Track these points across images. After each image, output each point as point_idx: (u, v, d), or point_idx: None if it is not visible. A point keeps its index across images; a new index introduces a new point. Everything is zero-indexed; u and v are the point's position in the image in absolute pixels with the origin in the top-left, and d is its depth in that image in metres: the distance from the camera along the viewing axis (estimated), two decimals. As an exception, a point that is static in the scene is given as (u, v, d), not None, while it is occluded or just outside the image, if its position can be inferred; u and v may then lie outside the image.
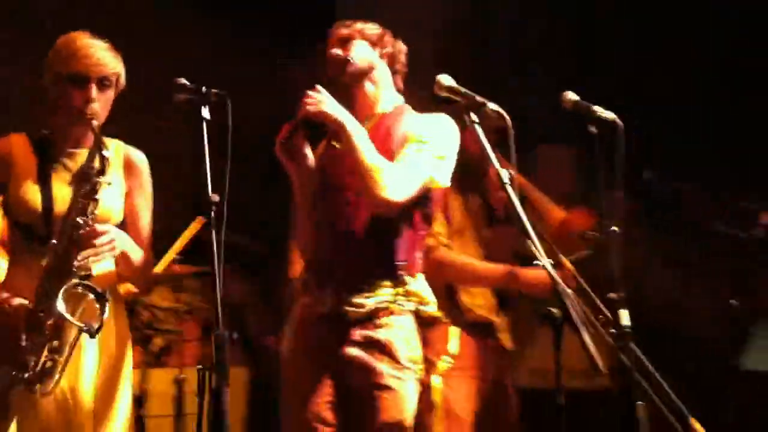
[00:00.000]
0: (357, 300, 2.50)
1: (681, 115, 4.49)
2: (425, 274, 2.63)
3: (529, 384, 3.40)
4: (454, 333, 2.98)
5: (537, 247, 2.14)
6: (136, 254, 2.53)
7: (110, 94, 2.51)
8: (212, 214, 2.24)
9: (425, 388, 2.85)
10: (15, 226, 2.50)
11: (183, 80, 2.30)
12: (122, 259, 2.50)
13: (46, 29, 3.35)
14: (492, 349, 3.09)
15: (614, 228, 2.38)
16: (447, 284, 3.00)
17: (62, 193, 2.47)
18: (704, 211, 4.28)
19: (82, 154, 2.52)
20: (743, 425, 3.94)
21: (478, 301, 3.06)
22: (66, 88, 2.46)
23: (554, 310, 2.34)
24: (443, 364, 2.92)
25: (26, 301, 2.36)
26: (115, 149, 2.57)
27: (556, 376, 2.46)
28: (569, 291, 2.19)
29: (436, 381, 2.90)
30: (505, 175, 2.21)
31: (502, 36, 4.80)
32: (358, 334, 2.50)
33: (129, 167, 2.59)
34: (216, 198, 2.25)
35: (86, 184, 2.37)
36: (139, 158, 2.61)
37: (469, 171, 2.89)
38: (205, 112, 2.26)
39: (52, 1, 4.54)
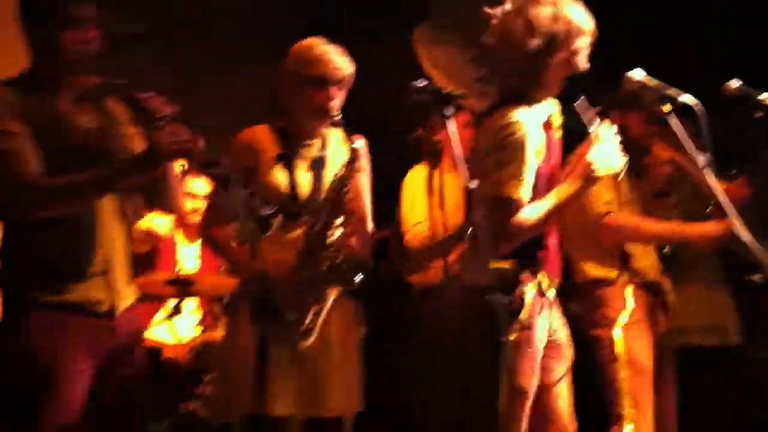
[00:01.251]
0: None
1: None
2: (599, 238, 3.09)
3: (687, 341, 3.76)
4: (628, 291, 3.35)
5: (735, 222, 2.52)
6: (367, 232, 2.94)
7: (345, 92, 2.90)
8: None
9: (609, 342, 3.25)
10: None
11: (423, 82, 2.63)
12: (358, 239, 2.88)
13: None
14: (660, 307, 3.46)
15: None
16: (621, 250, 3.37)
17: (303, 177, 2.87)
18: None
19: (315, 145, 2.94)
20: None
21: (646, 263, 3.43)
22: (306, 88, 2.86)
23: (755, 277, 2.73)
24: (622, 318, 3.29)
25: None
26: (341, 137, 2.97)
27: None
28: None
29: (617, 334, 3.26)
30: (702, 160, 2.55)
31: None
32: None
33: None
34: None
35: (341, 170, 2.78)
36: (360, 144, 2.93)
37: (633, 150, 3.26)
38: (448, 111, 2.53)
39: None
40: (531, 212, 2.46)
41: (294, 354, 2.48)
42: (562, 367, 2.63)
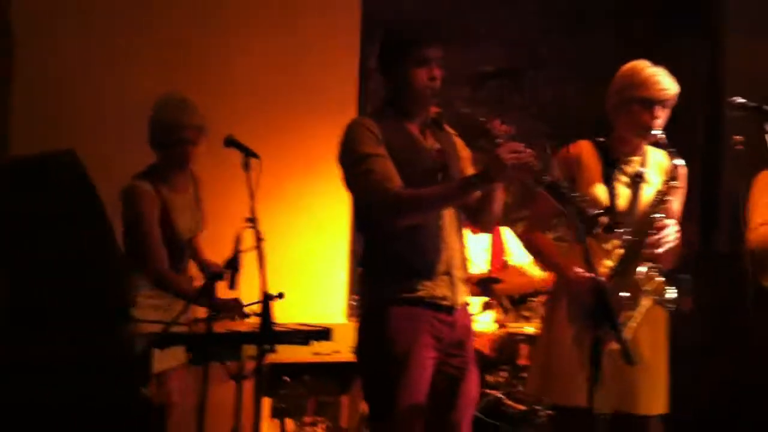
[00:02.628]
0: None
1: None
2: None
3: None
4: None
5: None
6: (678, 246, 3.12)
7: (668, 111, 3.12)
8: None
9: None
10: None
11: (740, 99, 2.83)
12: (672, 251, 3.08)
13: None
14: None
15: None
16: None
17: (622, 191, 3.13)
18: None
19: (635, 161, 3.18)
20: None
21: None
22: (633, 108, 3.10)
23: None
24: None
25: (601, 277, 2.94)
26: (662, 158, 3.18)
27: None
28: None
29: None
30: None
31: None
32: None
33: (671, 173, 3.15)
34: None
35: (663, 185, 3.01)
36: (681, 165, 3.15)
37: None
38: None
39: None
40: None
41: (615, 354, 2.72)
42: None
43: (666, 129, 3.11)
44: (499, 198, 3.06)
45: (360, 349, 2.99)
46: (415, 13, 5.28)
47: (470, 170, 3.07)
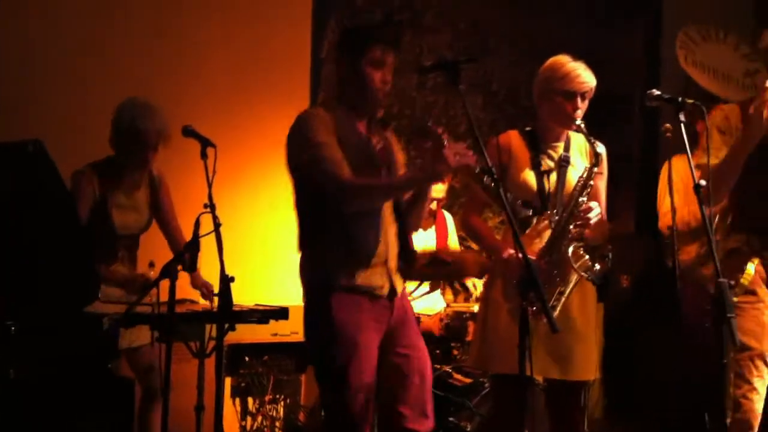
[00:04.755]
0: None
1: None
2: None
3: None
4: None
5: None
6: (604, 225, 3.40)
7: (587, 102, 3.37)
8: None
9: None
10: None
11: (656, 91, 3.09)
12: (596, 226, 3.33)
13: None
14: None
15: None
16: None
17: (549, 175, 3.37)
18: None
19: (559, 146, 3.42)
20: None
21: None
22: (556, 99, 3.33)
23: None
24: None
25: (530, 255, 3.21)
26: (583, 142, 3.43)
27: None
28: None
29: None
30: None
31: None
32: None
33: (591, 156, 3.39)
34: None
35: (585, 172, 3.26)
36: (602, 149, 3.39)
37: None
38: (681, 116, 3.00)
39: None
40: None
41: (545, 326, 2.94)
42: None
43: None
44: (427, 202, 3.28)
45: (307, 335, 3.14)
46: (365, 2, 5.48)
47: (402, 171, 3.25)
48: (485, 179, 2.90)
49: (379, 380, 3.09)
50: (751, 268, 3.47)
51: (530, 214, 2.80)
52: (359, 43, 3.11)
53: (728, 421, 3.37)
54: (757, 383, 3.49)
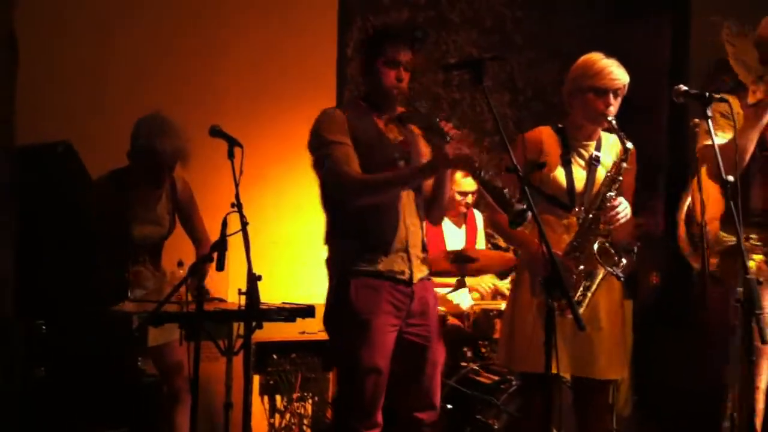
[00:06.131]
0: None
1: None
2: None
3: None
4: None
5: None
6: (630, 221, 3.35)
7: (620, 99, 3.35)
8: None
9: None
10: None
11: (684, 87, 3.08)
12: (625, 226, 3.31)
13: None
14: None
15: None
16: None
17: (579, 173, 3.36)
18: None
19: (591, 145, 3.41)
20: None
21: None
22: (588, 96, 3.32)
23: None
24: None
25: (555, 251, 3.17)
26: (614, 142, 3.41)
27: None
28: None
29: None
30: None
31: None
32: None
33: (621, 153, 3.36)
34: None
35: (613, 167, 3.25)
36: (631, 145, 3.34)
37: None
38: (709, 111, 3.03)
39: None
40: None
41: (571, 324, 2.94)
42: None
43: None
44: (446, 194, 3.40)
45: (326, 317, 3.30)
46: (391, 1, 5.49)
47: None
48: (482, 174, 2.99)
49: (393, 366, 3.20)
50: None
51: (524, 207, 2.80)
52: (375, 42, 3.29)
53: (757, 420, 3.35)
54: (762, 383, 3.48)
